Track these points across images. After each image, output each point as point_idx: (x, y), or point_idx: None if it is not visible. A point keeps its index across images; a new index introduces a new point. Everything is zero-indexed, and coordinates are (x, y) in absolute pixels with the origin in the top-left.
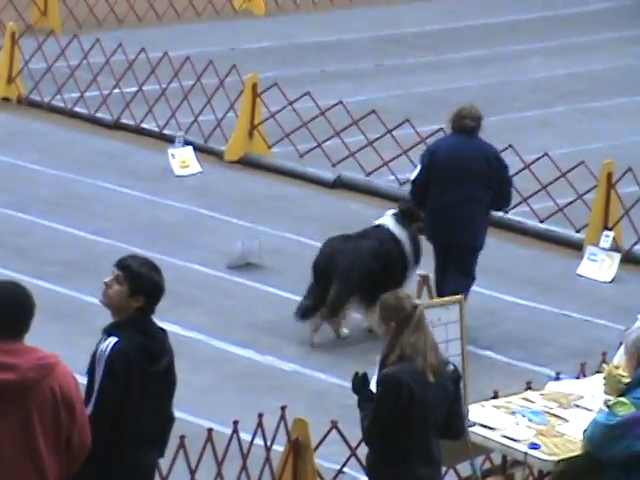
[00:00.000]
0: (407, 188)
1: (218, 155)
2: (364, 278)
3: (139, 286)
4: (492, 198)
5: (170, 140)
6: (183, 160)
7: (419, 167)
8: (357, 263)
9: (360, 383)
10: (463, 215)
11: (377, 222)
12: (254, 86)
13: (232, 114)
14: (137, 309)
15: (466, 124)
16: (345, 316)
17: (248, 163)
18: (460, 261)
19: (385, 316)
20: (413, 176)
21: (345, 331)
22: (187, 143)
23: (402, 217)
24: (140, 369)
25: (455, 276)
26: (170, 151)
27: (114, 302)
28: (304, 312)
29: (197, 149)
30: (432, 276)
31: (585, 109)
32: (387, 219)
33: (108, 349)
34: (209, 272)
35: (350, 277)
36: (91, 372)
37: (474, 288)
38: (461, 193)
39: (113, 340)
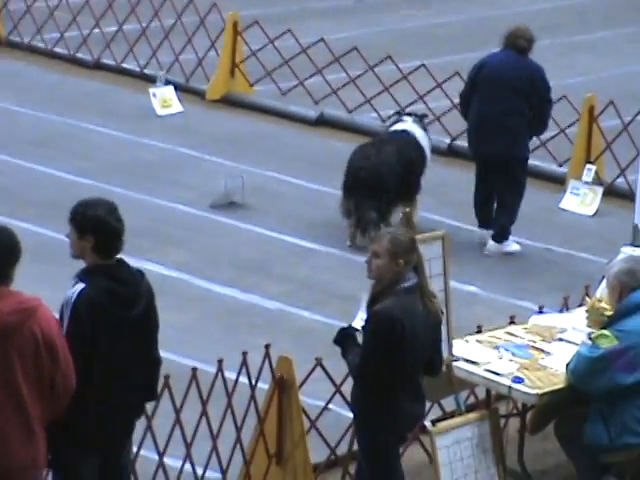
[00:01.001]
0: (389, 124)
1: (200, 94)
2: (397, 186)
3: (83, 226)
4: (530, 121)
5: (151, 80)
6: (165, 99)
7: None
8: (392, 173)
9: (345, 335)
10: (502, 127)
11: (399, 127)
12: (235, 24)
13: (213, 53)
14: (92, 249)
15: (519, 43)
16: None
17: (230, 102)
18: (507, 177)
19: (395, 252)
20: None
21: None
22: (168, 82)
23: (424, 123)
24: (108, 314)
25: (502, 196)
26: (151, 91)
27: (74, 251)
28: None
29: (178, 88)
30: (414, 212)
31: (568, 43)
32: (411, 125)
33: (74, 295)
34: (192, 211)
35: (389, 190)
36: (61, 319)
37: (458, 224)
38: (501, 105)
39: (80, 286)
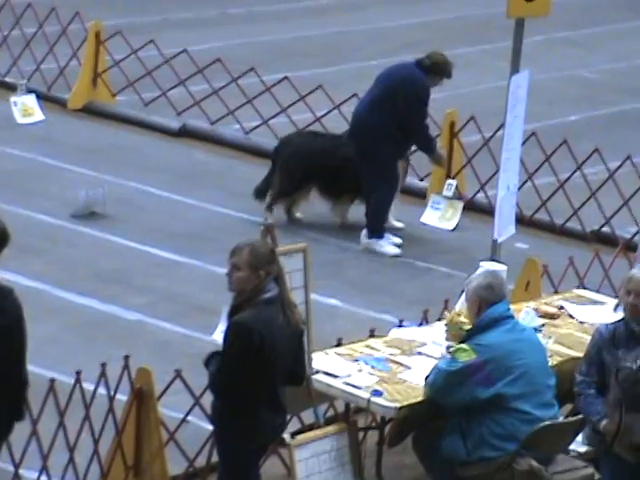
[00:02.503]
0: (252, 137)
1: (61, 103)
2: (309, 171)
3: None
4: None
5: (12, 88)
6: (26, 108)
7: None
8: (299, 155)
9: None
10: (362, 122)
11: None
12: (97, 34)
13: (75, 62)
14: None
15: (421, 59)
16: (299, 201)
17: (92, 111)
18: (366, 174)
19: (255, 264)
20: None
21: (298, 215)
22: (30, 91)
23: None
24: None
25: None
26: (12, 99)
27: None
28: (256, 193)
29: (40, 97)
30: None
31: None
32: None
33: None
34: (52, 221)
35: (289, 167)
36: None
37: (320, 237)
38: (365, 98)
39: None
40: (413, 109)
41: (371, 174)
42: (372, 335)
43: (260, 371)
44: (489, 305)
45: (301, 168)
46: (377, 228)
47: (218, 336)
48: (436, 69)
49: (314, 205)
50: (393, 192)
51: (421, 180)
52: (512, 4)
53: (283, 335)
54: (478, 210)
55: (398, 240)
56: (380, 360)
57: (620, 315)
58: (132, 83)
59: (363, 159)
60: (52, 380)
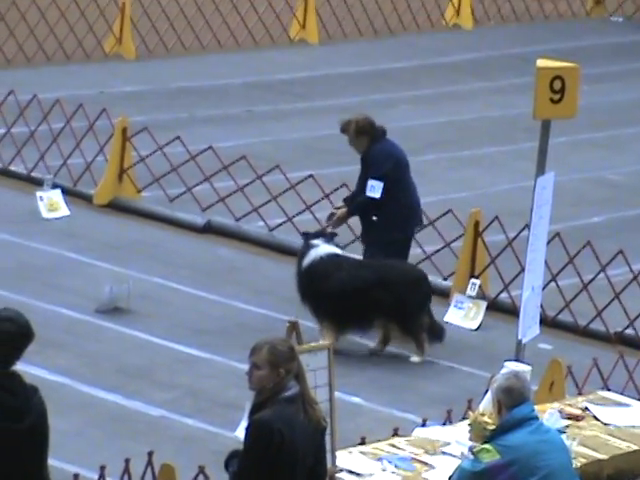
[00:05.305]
0: (277, 235)
1: (87, 199)
2: None
3: None
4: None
5: (38, 183)
6: (51, 203)
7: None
8: None
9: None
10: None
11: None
12: (124, 130)
13: (102, 158)
14: None
15: (381, 127)
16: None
17: (117, 207)
18: None
19: (275, 363)
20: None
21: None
22: (56, 186)
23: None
24: None
25: None
26: (38, 194)
27: None
28: None
29: (66, 192)
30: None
31: (454, 158)
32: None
33: None
34: (76, 316)
35: None
36: None
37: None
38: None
39: None
40: None
41: None
42: (396, 434)
43: (281, 470)
44: (508, 408)
45: None
46: None
47: (241, 433)
48: None
49: None
50: None
51: (445, 279)
52: (539, 106)
53: (304, 434)
54: (501, 310)
55: None
56: (404, 459)
57: None
58: (158, 179)
59: None
60: (76, 475)
